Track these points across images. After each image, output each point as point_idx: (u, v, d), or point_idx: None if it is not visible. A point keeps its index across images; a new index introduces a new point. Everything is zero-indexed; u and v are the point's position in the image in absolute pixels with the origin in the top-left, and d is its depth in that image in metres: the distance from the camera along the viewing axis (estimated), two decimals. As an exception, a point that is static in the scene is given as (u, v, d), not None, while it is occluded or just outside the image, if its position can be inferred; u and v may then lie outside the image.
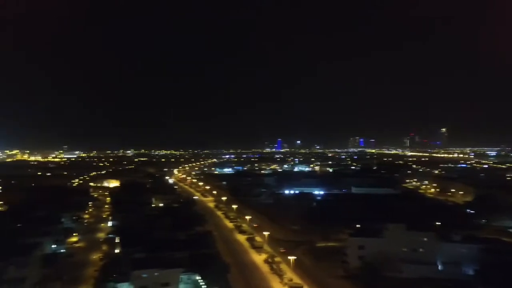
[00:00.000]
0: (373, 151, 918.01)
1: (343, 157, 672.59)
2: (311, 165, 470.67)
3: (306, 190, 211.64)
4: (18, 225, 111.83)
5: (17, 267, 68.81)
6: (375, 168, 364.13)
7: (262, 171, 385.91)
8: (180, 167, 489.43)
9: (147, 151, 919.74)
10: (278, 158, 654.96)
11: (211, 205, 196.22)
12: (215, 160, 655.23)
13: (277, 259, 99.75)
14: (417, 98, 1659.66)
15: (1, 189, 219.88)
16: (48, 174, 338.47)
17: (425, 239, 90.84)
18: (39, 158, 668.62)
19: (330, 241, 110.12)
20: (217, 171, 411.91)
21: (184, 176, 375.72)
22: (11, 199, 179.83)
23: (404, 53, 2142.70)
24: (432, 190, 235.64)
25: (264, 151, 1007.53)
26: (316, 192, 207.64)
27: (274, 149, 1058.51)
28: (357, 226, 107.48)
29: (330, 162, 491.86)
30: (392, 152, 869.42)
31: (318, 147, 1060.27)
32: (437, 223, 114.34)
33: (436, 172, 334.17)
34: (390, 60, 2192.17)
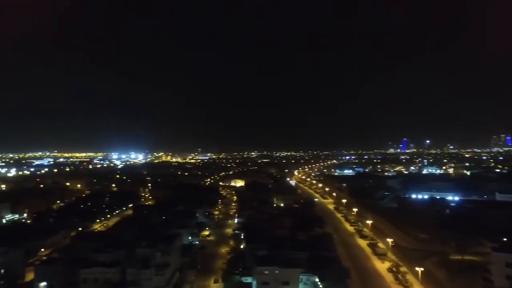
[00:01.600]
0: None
1: (484, 158, 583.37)
2: (444, 167, 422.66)
3: (437, 195, 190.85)
4: (163, 217, 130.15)
5: (162, 254, 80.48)
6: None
7: (385, 173, 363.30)
8: (300, 168, 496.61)
9: (269, 152, 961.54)
10: (403, 159, 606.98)
11: (331, 207, 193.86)
12: (335, 161, 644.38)
13: (403, 268, 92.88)
14: None
15: (150, 186, 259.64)
16: (186, 173, 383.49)
17: None
18: (179, 159, 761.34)
19: (468, 254, 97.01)
20: (337, 172, 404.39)
21: (304, 177, 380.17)
22: (158, 195, 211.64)
23: None
24: None
25: (388, 151, 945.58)
26: (450, 198, 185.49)
27: (398, 150, 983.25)
28: (504, 239, 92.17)
29: (467, 164, 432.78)
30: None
31: (451, 146, 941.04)
32: None
33: None
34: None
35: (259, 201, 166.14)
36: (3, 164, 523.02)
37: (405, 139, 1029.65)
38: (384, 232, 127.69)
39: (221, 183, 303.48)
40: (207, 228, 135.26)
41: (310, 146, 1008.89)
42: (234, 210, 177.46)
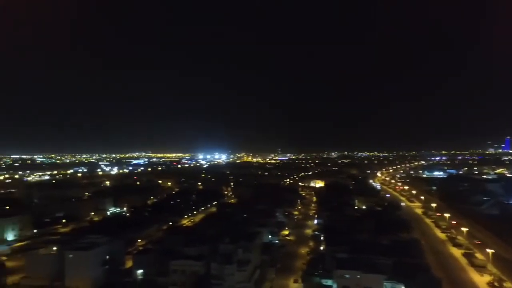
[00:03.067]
0: None
1: None
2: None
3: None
4: (244, 215, 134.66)
5: (244, 251, 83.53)
6: None
7: (484, 176, 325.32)
8: (384, 170, 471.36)
9: (350, 152, 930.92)
10: (506, 160, 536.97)
11: (418, 211, 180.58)
12: (423, 162, 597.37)
13: (507, 284, 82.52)
14: None
15: (233, 185, 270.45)
16: (266, 173, 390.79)
17: None
18: (259, 159, 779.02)
19: None
20: (425, 174, 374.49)
21: (388, 179, 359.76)
22: (239, 194, 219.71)
23: None
24: None
25: (486, 152, 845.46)
26: None
27: (500, 150, 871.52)
28: None
29: None
30: None
31: None
32: None
33: None
34: None
35: (339, 202, 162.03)
36: (108, 163, 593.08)
37: (508, 138, 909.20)
38: (483, 241, 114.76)
39: (300, 183, 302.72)
40: (286, 228, 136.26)
41: (394, 147, 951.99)
42: (314, 211, 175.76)
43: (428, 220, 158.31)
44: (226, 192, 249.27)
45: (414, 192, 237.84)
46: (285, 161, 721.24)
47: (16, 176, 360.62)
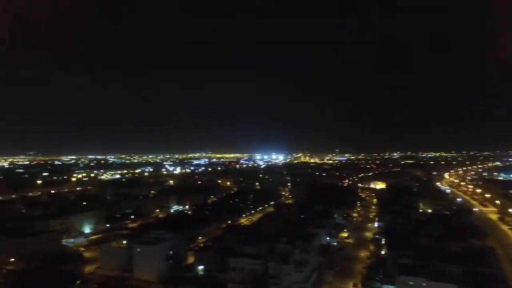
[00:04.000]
0: None
1: None
2: None
3: None
4: (302, 216, 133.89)
5: (301, 252, 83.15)
6: None
7: None
8: (452, 171, 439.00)
9: (414, 153, 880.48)
10: None
11: (493, 217, 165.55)
12: (498, 163, 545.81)
13: None
14: None
15: (290, 185, 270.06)
16: (324, 174, 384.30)
17: None
18: (317, 160, 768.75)
19: None
20: (501, 176, 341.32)
21: (457, 181, 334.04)
22: (297, 194, 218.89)
23: None
24: None
25: None
26: None
27: None
28: None
29: None
30: None
31: None
32: None
33: None
34: None
35: (402, 205, 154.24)
36: (171, 163, 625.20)
37: None
38: None
39: (359, 184, 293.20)
40: (345, 230, 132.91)
41: (464, 146, 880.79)
42: (374, 214, 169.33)
43: (505, 227, 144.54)
44: (283, 193, 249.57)
45: (488, 195, 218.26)
46: (343, 161, 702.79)
47: (92, 175, 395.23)
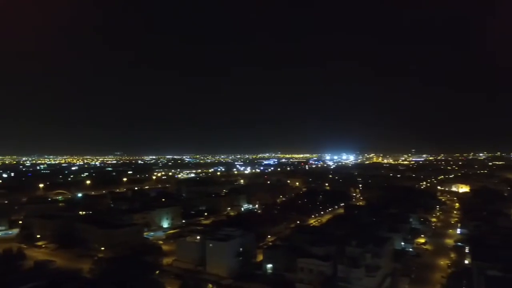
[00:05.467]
0: None
1: None
2: None
3: None
4: (373, 219, 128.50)
5: (372, 256, 79.94)
6: None
7: None
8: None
9: (505, 153, 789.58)
10: None
11: None
12: None
13: None
14: None
15: (361, 187, 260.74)
16: (398, 175, 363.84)
17: None
18: (390, 160, 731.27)
19: None
20: None
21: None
22: (368, 196, 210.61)
23: None
24: None
25: None
26: None
27: None
28: None
29: None
30: None
31: None
32: None
33: None
34: None
35: (489, 211, 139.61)
36: (242, 163, 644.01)
37: None
38: None
39: (439, 187, 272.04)
40: (422, 235, 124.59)
41: None
42: (456, 219, 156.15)
43: None
44: (354, 194, 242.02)
45: None
46: (420, 162, 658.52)
47: (170, 174, 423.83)
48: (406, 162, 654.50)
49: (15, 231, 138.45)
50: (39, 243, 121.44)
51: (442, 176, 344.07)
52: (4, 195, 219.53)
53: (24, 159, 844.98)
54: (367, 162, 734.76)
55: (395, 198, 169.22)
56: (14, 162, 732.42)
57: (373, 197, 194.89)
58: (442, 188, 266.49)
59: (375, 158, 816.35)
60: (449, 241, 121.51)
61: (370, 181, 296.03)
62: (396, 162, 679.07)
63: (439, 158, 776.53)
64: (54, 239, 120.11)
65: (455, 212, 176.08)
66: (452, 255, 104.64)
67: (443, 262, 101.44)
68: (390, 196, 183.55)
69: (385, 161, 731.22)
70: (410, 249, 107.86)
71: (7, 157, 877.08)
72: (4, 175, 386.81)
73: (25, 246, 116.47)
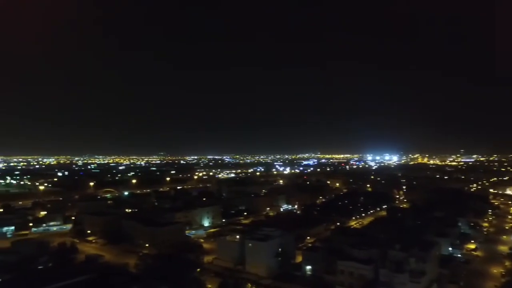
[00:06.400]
0: None
1: None
2: None
3: None
4: (418, 222, 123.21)
5: (417, 260, 76.73)
6: None
7: None
8: None
9: None
10: None
11: None
12: None
13: None
14: None
15: (405, 188, 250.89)
16: (445, 177, 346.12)
17: None
18: (437, 161, 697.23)
19: None
20: None
21: None
22: (412, 198, 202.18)
23: None
24: None
25: None
26: None
27: None
28: None
29: None
30: None
31: None
32: None
33: None
34: None
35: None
36: (281, 163, 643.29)
37: None
38: None
39: (491, 190, 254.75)
40: (472, 241, 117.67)
41: None
42: (511, 225, 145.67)
43: None
44: (397, 196, 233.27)
45: None
46: (470, 163, 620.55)
47: (210, 174, 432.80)
48: (454, 163, 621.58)
49: (69, 226, 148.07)
50: (90, 238, 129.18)
51: (495, 178, 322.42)
52: (59, 193, 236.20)
53: (76, 159, 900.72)
54: (412, 163, 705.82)
55: (442, 201, 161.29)
56: (68, 162, 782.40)
57: (418, 200, 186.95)
58: (495, 191, 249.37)
59: (420, 159, 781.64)
60: (503, 248, 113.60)
61: (414, 182, 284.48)
62: (443, 163, 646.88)
63: (491, 159, 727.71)
64: (102, 235, 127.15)
65: (510, 217, 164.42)
66: (507, 263, 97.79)
67: (496, 270, 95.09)
68: (437, 198, 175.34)
69: (431, 162, 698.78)
70: (459, 255, 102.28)
71: (61, 157, 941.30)
72: (59, 174, 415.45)
73: (77, 241, 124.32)
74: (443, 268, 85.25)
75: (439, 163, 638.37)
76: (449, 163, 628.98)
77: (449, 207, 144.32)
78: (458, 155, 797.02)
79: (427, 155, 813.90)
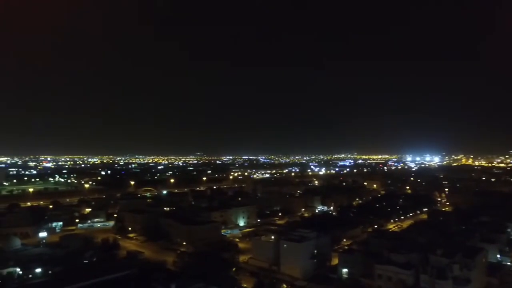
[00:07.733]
0: None
1: None
2: None
3: None
4: (462, 227, 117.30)
5: (461, 267, 73.08)
6: None
7: None
8: None
9: None
10: None
11: None
12: None
13: None
14: None
15: (447, 191, 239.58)
16: (492, 179, 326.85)
17: None
18: (483, 162, 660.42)
19: None
20: None
21: None
22: (456, 201, 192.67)
23: None
24: None
25: None
26: None
27: None
28: None
29: None
30: None
31: None
32: None
33: None
34: None
35: None
36: (316, 164, 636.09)
37: None
38: None
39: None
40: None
41: None
42: None
43: None
44: (439, 199, 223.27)
45: None
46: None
47: (246, 174, 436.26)
48: (502, 165, 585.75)
49: (111, 223, 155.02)
50: (131, 235, 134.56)
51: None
52: (102, 191, 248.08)
53: (118, 158, 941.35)
54: (455, 164, 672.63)
55: (489, 205, 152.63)
56: (110, 161, 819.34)
57: (462, 203, 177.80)
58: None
59: (464, 160, 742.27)
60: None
61: (458, 185, 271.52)
62: (490, 164, 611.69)
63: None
64: (142, 232, 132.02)
65: None
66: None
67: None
68: (483, 202, 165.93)
69: (477, 163, 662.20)
70: (508, 263, 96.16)
71: (104, 157, 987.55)
72: (103, 173, 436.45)
73: (119, 237, 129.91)
74: (491, 277, 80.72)
75: (485, 165, 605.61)
76: (497, 165, 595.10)
77: (497, 211, 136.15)
78: (506, 156, 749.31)
79: (472, 156, 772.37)
